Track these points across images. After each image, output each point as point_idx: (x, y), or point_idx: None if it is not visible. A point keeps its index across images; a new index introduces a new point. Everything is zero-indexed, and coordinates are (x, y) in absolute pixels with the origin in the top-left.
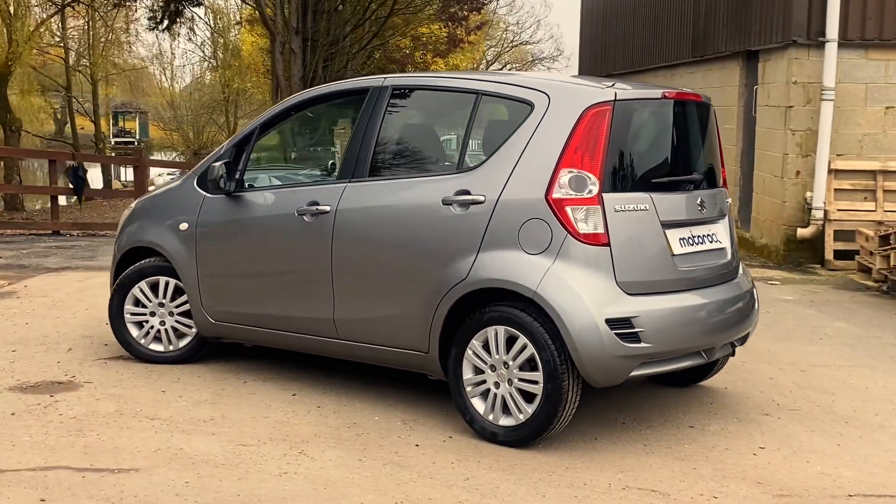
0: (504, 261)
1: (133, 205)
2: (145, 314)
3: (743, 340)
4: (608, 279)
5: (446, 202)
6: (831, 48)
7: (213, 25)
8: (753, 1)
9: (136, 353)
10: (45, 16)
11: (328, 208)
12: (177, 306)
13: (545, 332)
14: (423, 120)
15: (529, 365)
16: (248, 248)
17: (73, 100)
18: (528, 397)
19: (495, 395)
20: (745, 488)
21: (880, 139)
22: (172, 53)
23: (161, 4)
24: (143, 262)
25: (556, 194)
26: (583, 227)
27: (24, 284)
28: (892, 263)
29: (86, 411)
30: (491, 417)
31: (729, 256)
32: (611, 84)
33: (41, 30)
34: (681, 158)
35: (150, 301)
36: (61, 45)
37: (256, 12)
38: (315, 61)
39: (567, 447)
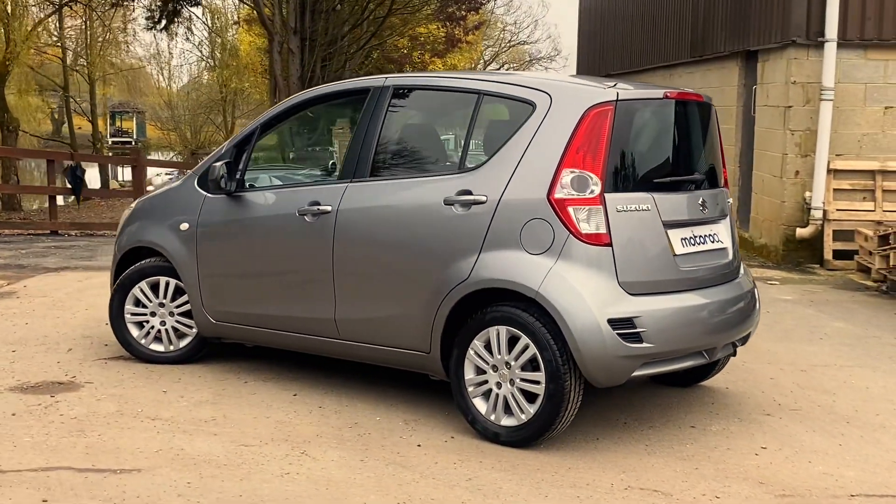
0: (506, 261)
1: (133, 205)
2: (146, 314)
3: (744, 340)
4: (610, 279)
5: (448, 202)
6: (830, 48)
7: (210, 25)
8: (752, 1)
9: (136, 354)
10: (42, 15)
11: (329, 208)
12: (177, 306)
13: (547, 332)
14: (425, 120)
15: (531, 365)
16: (248, 248)
17: (71, 99)
18: (530, 397)
19: (497, 395)
20: (748, 488)
21: (879, 139)
22: (170, 53)
23: (159, 4)
24: (143, 262)
25: (558, 194)
26: (585, 228)
27: (24, 284)
28: (891, 263)
29: (87, 411)
30: (493, 418)
31: (730, 256)
32: (612, 84)
33: (38, 29)
34: (682, 158)
35: (151, 301)
36: (59, 44)
37: (254, 12)
38: (313, 61)
39: (569, 447)
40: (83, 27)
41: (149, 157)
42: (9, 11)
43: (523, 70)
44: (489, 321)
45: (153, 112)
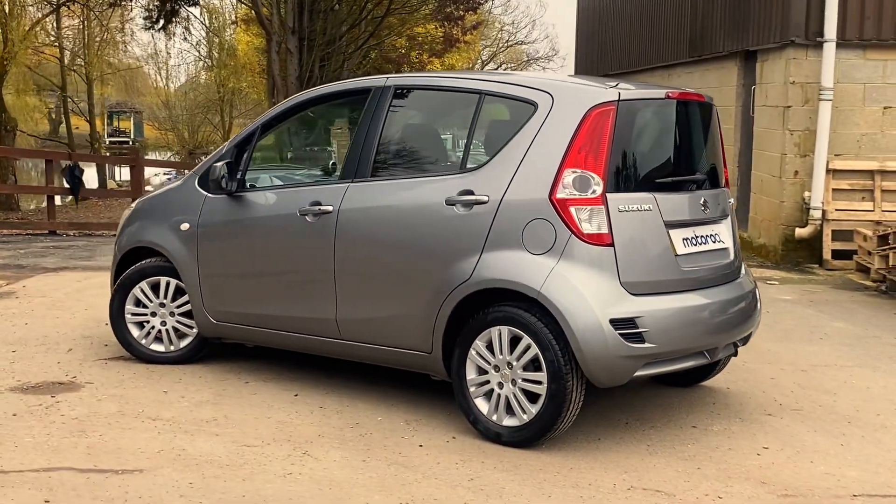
0: (508, 261)
1: (133, 205)
2: (146, 314)
3: (745, 340)
4: (612, 279)
5: (450, 202)
6: (829, 48)
7: (208, 25)
8: (751, 1)
9: (136, 354)
10: (40, 15)
11: (331, 208)
12: (178, 306)
13: (549, 332)
14: (426, 120)
15: (533, 365)
16: (249, 248)
17: (68, 99)
18: (532, 398)
19: (499, 395)
20: (750, 488)
21: (878, 139)
22: (168, 53)
23: (157, 4)
24: (143, 262)
25: (559, 194)
26: (587, 228)
27: (23, 285)
28: (890, 263)
29: (88, 412)
30: (495, 418)
31: (732, 256)
32: (614, 84)
33: (36, 29)
34: (684, 158)
35: (151, 301)
36: (56, 44)
37: (252, 12)
38: (311, 61)
39: (571, 447)
40: (81, 27)
41: (147, 157)
42: (6, 11)
43: (521, 70)
44: (491, 321)
45: (151, 112)
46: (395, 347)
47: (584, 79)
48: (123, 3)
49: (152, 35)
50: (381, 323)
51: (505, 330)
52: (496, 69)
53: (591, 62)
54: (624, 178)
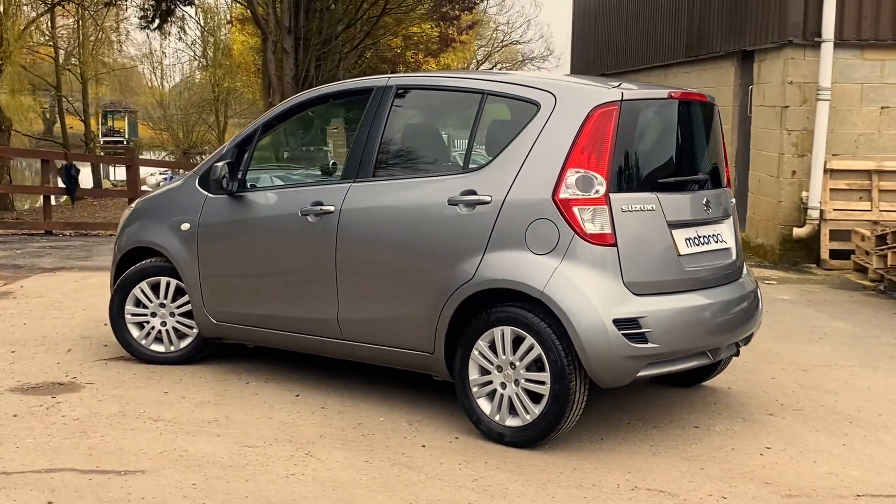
0: (511, 261)
1: (133, 205)
2: (146, 315)
3: (747, 340)
4: (615, 279)
5: (452, 202)
6: (827, 48)
7: (203, 24)
8: (749, 1)
9: (136, 354)
10: (34, 14)
11: (332, 208)
12: (178, 307)
13: (552, 332)
14: (428, 120)
15: (536, 365)
16: (250, 248)
17: (63, 99)
18: (535, 398)
19: (502, 395)
20: (754, 488)
21: (876, 139)
22: (163, 53)
23: (152, 3)
24: (143, 262)
25: (563, 194)
26: (590, 228)
27: (20, 285)
28: (888, 263)
29: (88, 412)
30: (497, 418)
31: (734, 256)
32: (617, 84)
33: (31, 28)
34: (686, 158)
35: (151, 301)
36: (51, 44)
37: (247, 11)
38: (307, 61)
39: (574, 448)
40: (76, 26)
41: (141, 157)
42: (1, 10)
43: (516, 70)
44: (494, 321)
45: (145, 111)
46: (396, 348)
47: (586, 79)
48: (118, 2)
49: (147, 34)
50: (383, 323)
51: (508, 330)
52: (491, 69)
53: (586, 62)
54: (627, 178)
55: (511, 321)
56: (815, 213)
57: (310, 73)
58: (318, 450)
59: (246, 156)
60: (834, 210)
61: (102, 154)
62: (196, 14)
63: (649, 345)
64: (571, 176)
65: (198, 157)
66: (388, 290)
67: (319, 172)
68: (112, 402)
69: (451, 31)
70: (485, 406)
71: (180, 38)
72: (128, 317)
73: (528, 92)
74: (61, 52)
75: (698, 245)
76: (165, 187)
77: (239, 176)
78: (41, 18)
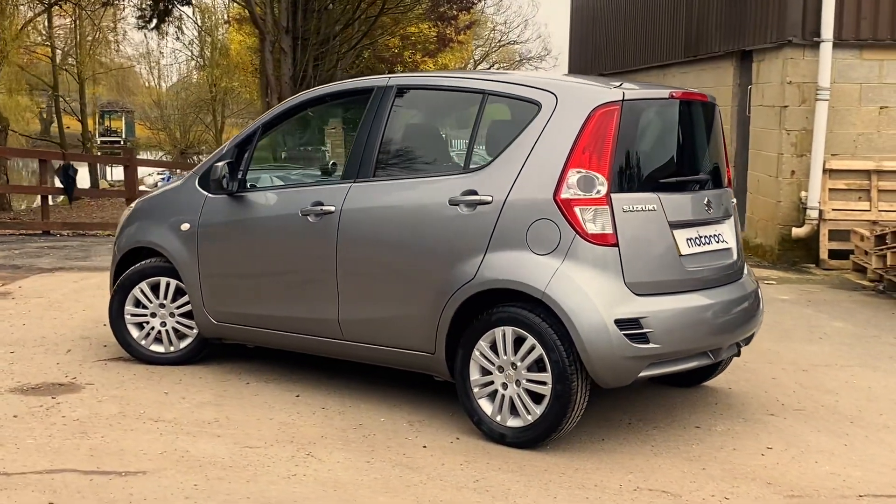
0: (512, 261)
1: (133, 205)
2: (146, 315)
3: (748, 340)
4: (617, 279)
5: (453, 202)
6: (826, 48)
7: (200, 24)
8: (748, 1)
9: (136, 355)
10: (31, 14)
11: (333, 208)
12: (178, 307)
13: (554, 332)
14: (429, 120)
15: (538, 366)
16: (250, 248)
17: (60, 99)
18: (537, 398)
19: (503, 396)
20: (756, 489)
21: (874, 139)
22: (160, 52)
23: (150, 3)
24: (143, 262)
25: (564, 194)
26: (591, 228)
27: (19, 285)
28: (888, 263)
29: (89, 413)
30: (499, 419)
31: (735, 256)
32: (618, 84)
33: (28, 28)
34: (687, 158)
35: (151, 302)
36: (48, 43)
37: (245, 11)
38: (305, 60)
39: (575, 448)
40: (73, 26)
41: (139, 157)
42: None
43: (514, 70)
44: (495, 322)
45: (142, 111)
46: (397, 348)
47: (587, 79)
48: (116, 2)
49: (145, 34)
50: (384, 323)
51: (509, 330)
52: (489, 69)
53: (584, 62)
54: (628, 178)
55: (512, 321)
56: (814, 213)
57: (308, 72)
58: (319, 450)
59: (246, 156)
60: (833, 210)
61: (100, 154)
62: (193, 14)
63: (651, 345)
64: (573, 176)
65: (195, 157)
66: (388, 290)
67: (320, 172)
68: (112, 403)
69: (448, 31)
70: (486, 407)
71: (178, 38)
72: (127, 317)
73: (530, 92)
74: (58, 51)
75: (699, 245)
76: (165, 187)
77: (239, 176)
78: (38, 18)
